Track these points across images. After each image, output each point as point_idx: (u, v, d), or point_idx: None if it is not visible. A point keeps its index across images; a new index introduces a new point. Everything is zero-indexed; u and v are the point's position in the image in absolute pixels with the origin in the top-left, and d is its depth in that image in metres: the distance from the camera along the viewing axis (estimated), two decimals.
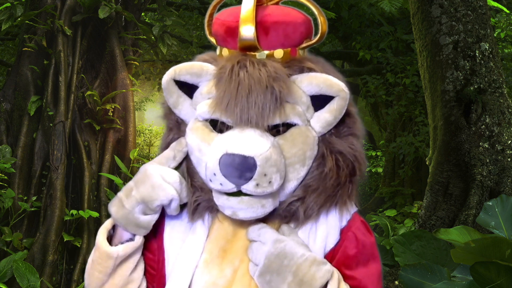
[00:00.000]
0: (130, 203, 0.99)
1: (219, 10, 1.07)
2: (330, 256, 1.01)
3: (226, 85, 0.92)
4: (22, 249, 4.66)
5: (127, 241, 1.03)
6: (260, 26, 0.97)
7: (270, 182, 0.92)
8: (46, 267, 4.63)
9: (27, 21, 5.11)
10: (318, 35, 1.02)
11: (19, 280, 3.90)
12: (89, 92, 5.26)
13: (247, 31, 0.95)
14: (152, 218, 1.01)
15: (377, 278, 1.03)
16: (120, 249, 1.01)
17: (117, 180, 4.76)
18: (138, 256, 1.04)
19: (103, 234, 1.03)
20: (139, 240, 1.02)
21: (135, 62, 5.92)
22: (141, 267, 1.06)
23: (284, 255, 0.93)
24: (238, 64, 0.93)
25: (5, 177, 4.77)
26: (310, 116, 0.97)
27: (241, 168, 0.90)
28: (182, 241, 1.04)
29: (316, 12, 1.01)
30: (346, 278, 1.00)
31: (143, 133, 13.50)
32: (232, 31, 0.98)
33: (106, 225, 1.05)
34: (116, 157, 4.63)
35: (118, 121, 5.49)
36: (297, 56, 1.01)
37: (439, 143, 4.44)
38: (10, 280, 4.10)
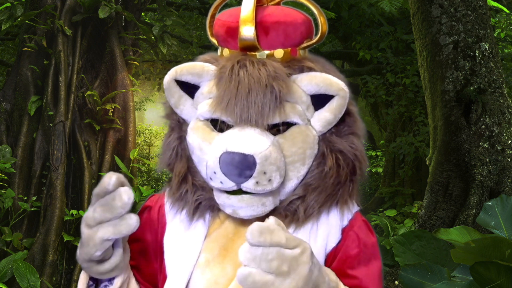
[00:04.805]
0: (83, 264, 0.97)
1: (220, 11, 1.07)
2: (332, 255, 1.01)
3: (226, 85, 0.93)
4: (22, 249, 4.66)
5: (106, 286, 1.01)
6: (260, 26, 0.97)
7: (269, 180, 0.92)
8: (46, 267, 4.63)
9: (27, 21, 5.12)
10: (318, 35, 1.02)
11: (19, 280, 3.91)
12: (89, 92, 5.27)
13: (247, 31, 0.95)
14: (113, 261, 0.96)
15: (378, 277, 1.03)
16: None
17: None
18: None
19: (82, 281, 1.01)
20: (117, 283, 1.00)
21: (135, 62, 5.92)
22: None
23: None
24: (238, 63, 0.93)
25: (5, 177, 4.77)
26: (310, 115, 0.98)
27: (240, 166, 0.90)
28: (181, 240, 1.04)
29: (316, 12, 1.02)
30: (347, 277, 1.00)
31: (143, 133, 13.48)
32: (232, 32, 0.99)
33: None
34: (116, 157, 4.63)
35: (118, 121, 5.49)
36: (298, 56, 1.01)
37: (439, 143, 4.44)
38: (10, 280, 4.11)
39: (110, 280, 1.01)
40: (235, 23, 0.97)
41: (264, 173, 0.91)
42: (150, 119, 14.79)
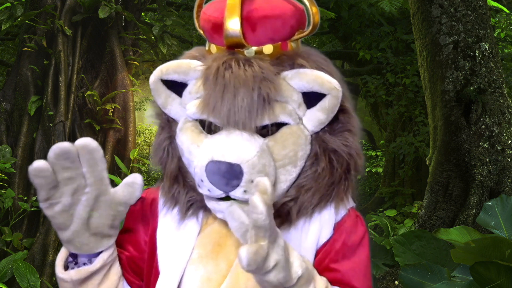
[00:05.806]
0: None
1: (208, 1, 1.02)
2: (321, 251, 1.00)
3: (211, 88, 0.89)
4: (22, 249, 4.66)
5: (84, 264, 1.00)
6: (247, 22, 0.92)
7: None
8: (46, 267, 4.63)
9: (27, 21, 5.12)
10: (310, 27, 0.97)
11: (19, 280, 3.90)
12: (89, 92, 5.27)
13: (233, 25, 0.90)
14: (69, 231, 0.94)
15: (363, 272, 1.00)
16: (73, 274, 0.97)
17: (117, 180, 4.75)
18: (99, 277, 0.99)
19: (61, 259, 1.00)
20: (96, 264, 0.98)
21: (135, 62, 5.93)
22: (109, 283, 1.01)
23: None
24: (224, 64, 0.89)
25: (5, 177, 4.77)
26: (302, 113, 0.94)
27: (227, 176, 0.88)
28: (174, 236, 1.02)
29: (307, 3, 0.97)
30: (330, 270, 0.98)
31: (143, 133, 13.49)
32: (218, 28, 0.94)
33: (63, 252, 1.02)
34: (116, 157, 4.63)
35: (118, 121, 5.50)
36: (288, 49, 0.96)
37: (439, 143, 4.44)
38: (10, 280, 4.10)
39: (90, 259, 0.99)
40: (221, 19, 0.93)
41: (252, 181, 0.88)
42: (150, 119, 14.76)
